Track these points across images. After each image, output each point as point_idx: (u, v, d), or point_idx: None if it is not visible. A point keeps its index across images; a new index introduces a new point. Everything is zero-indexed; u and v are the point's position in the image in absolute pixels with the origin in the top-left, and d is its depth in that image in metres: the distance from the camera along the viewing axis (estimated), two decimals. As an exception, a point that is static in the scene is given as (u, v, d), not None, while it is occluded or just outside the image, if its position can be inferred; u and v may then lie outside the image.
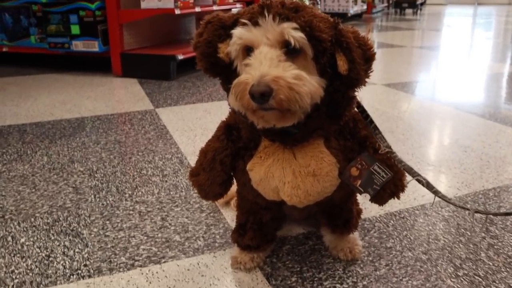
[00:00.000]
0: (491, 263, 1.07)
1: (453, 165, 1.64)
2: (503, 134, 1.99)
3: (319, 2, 6.08)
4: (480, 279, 1.01)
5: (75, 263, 1.09)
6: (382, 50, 4.69)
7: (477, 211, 0.79)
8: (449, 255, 1.10)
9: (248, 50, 0.79)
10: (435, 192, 0.84)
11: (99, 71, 3.47)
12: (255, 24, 0.77)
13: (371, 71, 0.82)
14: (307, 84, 0.74)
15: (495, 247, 1.14)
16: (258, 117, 0.78)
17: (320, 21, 0.77)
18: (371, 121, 0.92)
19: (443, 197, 0.83)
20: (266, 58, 0.74)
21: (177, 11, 3.05)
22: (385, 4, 10.91)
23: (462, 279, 1.01)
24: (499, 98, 2.68)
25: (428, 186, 0.84)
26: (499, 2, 13.77)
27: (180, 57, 3.13)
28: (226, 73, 0.86)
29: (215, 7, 3.49)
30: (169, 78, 3.17)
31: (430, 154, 1.78)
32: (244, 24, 0.78)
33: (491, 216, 1.27)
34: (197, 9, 3.27)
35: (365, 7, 8.73)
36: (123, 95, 2.79)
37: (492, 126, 2.11)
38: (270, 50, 0.75)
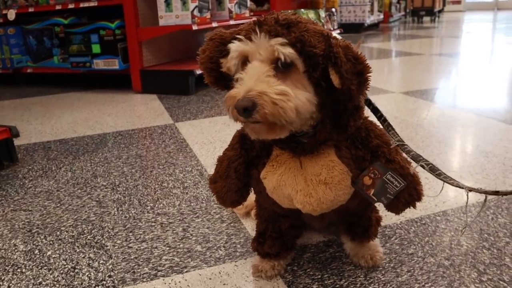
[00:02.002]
0: (516, 268, 1.05)
1: (474, 171, 1.63)
2: (526, 139, 1.95)
3: (335, 14, 6.10)
4: (505, 284, 1.00)
5: (100, 274, 1.12)
6: (400, 59, 4.67)
7: (471, 189, 0.78)
8: (473, 261, 1.09)
9: (244, 62, 0.82)
10: (438, 175, 0.83)
11: (120, 88, 3.55)
12: (250, 39, 0.80)
13: (366, 84, 0.81)
14: (292, 100, 0.76)
15: (520, 251, 1.12)
16: (249, 129, 0.81)
17: (312, 36, 0.78)
18: (385, 120, 0.93)
19: (444, 179, 0.82)
20: (254, 73, 0.77)
21: (195, 27, 3.11)
22: (402, 13, 10.87)
23: (487, 284, 1.00)
24: (521, 102, 2.64)
25: (432, 169, 0.84)
26: (519, 6, 13.57)
27: (198, 72, 3.18)
28: (232, 86, 0.88)
29: (232, 22, 3.55)
30: (188, 93, 3.21)
31: (451, 161, 1.76)
32: (240, 40, 0.81)
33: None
34: (214, 24, 3.32)
35: (382, 16, 8.73)
36: (143, 111, 2.84)
37: (514, 130, 2.08)
38: (260, 65, 0.78)
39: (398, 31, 8.22)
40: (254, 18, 0.83)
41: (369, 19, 7.66)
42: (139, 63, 3.30)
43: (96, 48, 3.32)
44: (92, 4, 3.32)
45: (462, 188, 0.79)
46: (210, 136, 2.19)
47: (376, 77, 3.53)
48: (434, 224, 1.27)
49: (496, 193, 0.76)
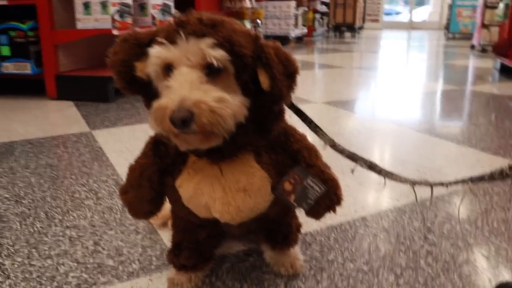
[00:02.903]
0: (430, 270, 1.07)
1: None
2: (438, 147, 2.06)
3: (260, 25, 6.18)
4: (420, 286, 1.01)
5: (-7, 296, 0.99)
6: (323, 71, 4.81)
7: (415, 183, 0.79)
8: (390, 264, 1.10)
9: (167, 69, 0.75)
10: (379, 172, 0.83)
11: (32, 94, 3.30)
12: (172, 42, 0.73)
13: (295, 86, 0.79)
14: (230, 106, 0.71)
15: (433, 254, 1.15)
16: (181, 140, 0.74)
17: (240, 36, 0.74)
18: (310, 121, 0.91)
19: (386, 175, 0.82)
20: (186, 80, 0.70)
21: (115, 32, 2.98)
22: (325, 28, 11.29)
23: (403, 287, 1.01)
24: (434, 114, 2.80)
25: (371, 167, 0.83)
26: (431, 27, 14.62)
27: (119, 78, 3.04)
28: (146, 89, 0.81)
29: (154, 28, 3.44)
30: (107, 100, 3.06)
31: (354, 153, 1.80)
32: (161, 43, 0.74)
33: (428, 223, 1.29)
34: (137, 30, 3.20)
35: (305, 30, 8.98)
36: (57, 118, 2.66)
37: (428, 139, 2.19)
38: (190, 72, 0.71)
39: (321, 45, 8.50)
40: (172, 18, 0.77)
41: (294, 32, 7.85)
42: (54, 68, 3.10)
43: (5, 50, 3.08)
44: (2, 2, 3.07)
45: (406, 182, 0.79)
46: (128, 144, 2.08)
47: (300, 87, 3.58)
48: (353, 229, 1.27)
49: (441, 184, 0.77)
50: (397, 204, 1.44)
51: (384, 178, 0.85)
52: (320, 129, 0.91)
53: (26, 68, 3.08)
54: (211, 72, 0.72)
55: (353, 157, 0.86)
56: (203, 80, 0.71)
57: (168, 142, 0.79)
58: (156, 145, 0.89)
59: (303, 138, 0.91)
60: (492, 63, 5.29)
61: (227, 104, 0.70)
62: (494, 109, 2.87)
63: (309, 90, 3.48)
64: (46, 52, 3.07)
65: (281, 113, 0.82)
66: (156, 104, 0.72)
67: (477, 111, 2.81)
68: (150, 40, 0.76)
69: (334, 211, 0.90)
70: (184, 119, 0.67)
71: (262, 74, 0.74)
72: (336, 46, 8.16)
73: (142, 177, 0.88)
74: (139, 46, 0.78)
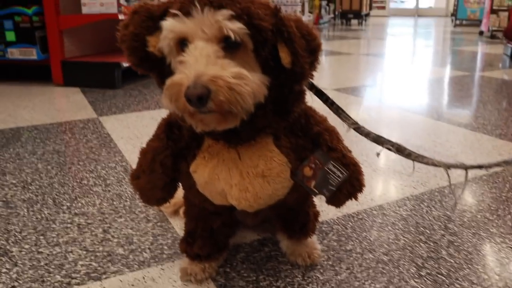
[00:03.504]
0: (452, 261, 1.03)
1: (406, 165, 1.62)
2: (452, 134, 2.00)
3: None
4: (443, 278, 0.97)
5: (0, 285, 0.96)
6: (331, 58, 4.73)
7: (450, 166, 0.74)
8: (411, 255, 1.06)
9: (182, 44, 0.70)
10: (409, 155, 0.78)
11: (38, 80, 3.27)
12: (187, 14, 0.67)
13: (318, 63, 0.74)
14: (249, 83, 0.66)
15: (455, 244, 1.10)
16: (197, 120, 0.69)
17: (259, 8, 0.68)
18: (332, 102, 0.86)
19: (417, 159, 0.78)
20: (202, 55, 0.65)
21: (121, 16, 2.92)
22: (331, 15, 11.15)
23: (426, 279, 0.97)
24: (444, 100, 2.74)
25: (399, 150, 0.79)
26: (437, 13, 14.44)
27: (126, 64, 2.99)
28: (159, 67, 0.76)
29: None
30: (114, 87, 3.02)
31: (384, 154, 1.75)
32: (174, 15, 0.68)
33: (448, 212, 1.25)
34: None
35: (312, 17, 8.87)
36: (64, 104, 2.62)
37: (441, 126, 2.13)
38: (206, 46, 0.66)
39: (328, 32, 8.40)
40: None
41: (301, 19, 7.74)
42: (60, 54, 3.05)
43: (10, 36, 3.03)
44: (5, -13, 3.02)
45: (439, 166, 0.75)
46: (136, 131, 2.04)
47: (309, 74, 3.54)
48: (371, 218, 1.23)
49: (479, 167, 0.73)
50: (415, 192, 1.39)
51: (413, 162, 0.80)
52: (343, 111, 0.86)
53: (31, 53, 3.03)
54: (228, 47, 0.67)
55: (379, 140, 0.81)
56: (220, 55, 0.66)
57: (183, 123, 0.74)
58: (169, 128, 0.85)
59: (323, 120, 0.86)
60: (502, 49, 5.19)
61: (246, 81, 0.65)
62: (506, 95, 2.80)
63: (319, 77, 3.40)
64: (51, 38, 3.02)
65: (302, 93, 0.77)
66: (169, 80, 0.67)
67: (489, 98, 2.75)
68: (163, 13, 0.71)
69: (356, 198, 0.86)
70: (200, 96, 0.62)
71: (283, 49, 0.68)
72: (343, 33, 8.06)
73: (155, 161, 0.84)
74: (151, 19, 0.72)
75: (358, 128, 0.83)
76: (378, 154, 0.84)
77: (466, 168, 0.75)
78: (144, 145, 0.88)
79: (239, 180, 0.79)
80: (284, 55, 0.68)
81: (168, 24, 0.68)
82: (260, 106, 0.71)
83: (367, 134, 0.82)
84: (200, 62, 0.64)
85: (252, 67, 0.69)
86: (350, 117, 0.84)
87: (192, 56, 0.65)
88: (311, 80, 0.74)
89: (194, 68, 0.64)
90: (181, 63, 0.67)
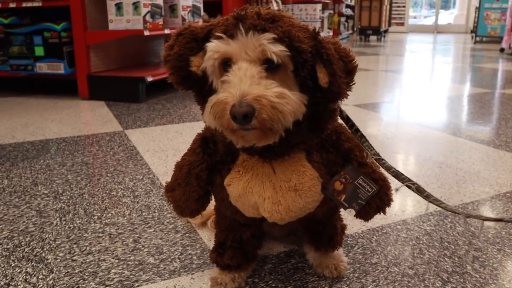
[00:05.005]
0: (477, 276, 1.04)
1: (430, 181, 1.64)
2: (474, 151, 2.01)
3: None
4: (469, 293, 0.98)
5: (38, 290, 1.00)
6: (350, 74, 4.75)
7: (468, 216, 0.76)
8: (436, 269, 1.07)
9: (225, 64, 0.74)
10: (427, 196, 0.80)
11: (65, 94, 3.36)
12: (231, 37, 0.72)
13: (353, 84, 0.78)
14: (290, 103, 0.70)
15: (480, 259, 1.11)
16: (238, 137, 0.73)
17: (299, 31, 0.73)
18: (357, 130, 0.89)
19: (434, 201, 0.80)
20: (246, 75, 0.69)
21: (146, 33, 3.00)
22: (350, 32, 11.21)
23: (451, 293, 0.98)
24: (466, 117, 2.74)
25: (419, 190, 0.81)
26: (457, 30, 14.39)
27: (149, 79, 3.07)
28: (198, 85, 0.81)
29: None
30: (138, 101, 3.09)
31: (407, 171, 1.77)
32: (219, 37, 0.73)
33: (472, 228, 1.26)
34: (166, 31, 3.23)
35: (331, 33, 8.93)
36: (90, 117, 2.69)
37: (463, 143, 2.14)
38: (250, 67, 0.70)
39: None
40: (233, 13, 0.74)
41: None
42: (87, 68, 3.15)
43: (39, 51, 3.14)
44: (36, 4, 3.14)
45: (458, 213, 0.77)
46: (162, 144, 2.09)
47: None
48: (395, 233, 1.24)
49: (498, 220, 0.74)
50: (438, 208, 1.40)
51: (428, 203, 0.82)
52: (366, 140, 0.88)
53: (59, 68, 3.13)
54: (269, 67, 0.71)
55: (399, 176, 0.83)
56: (263, 75, 0.70)
57: (222, 139, 0.78)
58: (204, 142, 0.88)
59: (353, 136, 0.89)
60: (524, 67, 5.16)
61: (288, 100, 0.69)
62: (530, 114, 2.79)
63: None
64: (78, 53, 3.12)
65: (335, 111, 0.80)
66: (214, 98, 0.71)
67: (511, 115, 2.74)
68: (206, 35, 0.76)
69: (384, 212, 0.88)
70: (245, 114, 0.66)
71: (321, 70, 0.72)
72: (362, 49, 8.09)
73: (190, 174, 0.87)
74: (195, 41, 0.77)
75: (379, 160, 0.85)
76: (397, 190, 0.87)
77: (484, 219, 0.77)
78: (172, 160, 0.91)
79: (272, 194, 0.83)
80: (322, 76, 0.72)
81: (213, 45, 0.73)
82: (295, 123, 0.74)
83: (388, 168, 0.84)
84: (245, 82, 0.68)
85: (290, 86, 0.73)
86: (373, 148, 0.87)
87: (236, 76, 0.69)
88: (346, 99, 0.77)
89: (239, 87, 0.68)
90: (225, 83, 0.71)
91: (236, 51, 0.71)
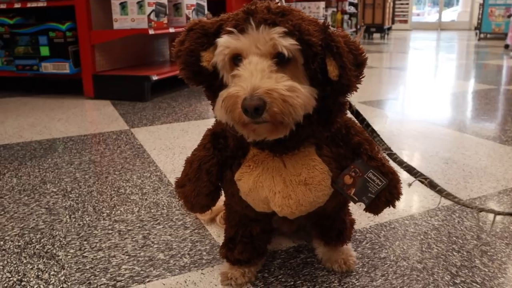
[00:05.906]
0: (486, 270, 1.05)
1: (436, 177, 1.64)
2: (481, 147, 2.01)
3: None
4: (478, 286, 0.98)
5: (50, 286, 1.01)
6: (354, 71, 4.75)
7: (481, 210, 0.76)
8: (444, 263, 1.07)
9: (235, 59, 0.75)
10: (439, 191, 0.81)
11: (70, 93, 3.38)
12: (242, 31, 0.72)
13: (363, 77, 0.78)
14: (301, 96, 0.71)
15: (488, 253, 1.11)
16: (249, 131, 0.74)
17: (309, 24, 0.73)
18: (368, 124, 0.89)
19: (447, 196, 0.80)
20: (257, 69, 0.70)
21: (151, 32, 3.01)
22: (354, 29, 11.18)
23: (460, 286, 0.98)
24: (471, 113, 2.73)
25: (432, 185, 0.81)
26: (461, 27, 14.34)
27: (155, 77, 3.08)
28: (209, 80, 0.81)
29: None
30: (144, 99, 3.10)
31: (414, 167, 1.76)
32: (229, 32, 0.73)
33: (480, 222, 1.26)
34: (171, 30, 3.24)
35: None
36: (96, 117, 2.71)
37: (469, 139, 2.14)
38: (260, 61, 0.71)
39: (349, 45, 8.39)
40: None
41: (322, 33, 7.78)
42: (92, 68, 3.16)
43: (44, 51, 3.15)
44: (40, 4, 3.15)
45: (470, 207, 0.77)
46: (168, 142, 2.10)
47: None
48: (403, 228, 1.25)
49: (510, 214, 0.74)
50: (446, 203, 1.40)
51: (440, 198, 0.82)
52: (378, 135, 0.89)
53: (64, 68, 3.15)
54: (280, 61, 0.72)
55: (412, 171, 0.84)
56: (273, 69, 0.70)
57: (233, 133, 0.78)
58: (215, 138, 0.89)
59: (363, 130, 0.90)
60: (529, 63, 5.14)
61: (298, 93, 0.70)
62: (536, 109, 2.78)
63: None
64: (83, 52, 3.13)
65: (345, 104, 0.81)
66: (225, 92, 0.71)
67: (518, 111, 2.73)
68: (217, 30, 0.76)
69: (394, 205, 0.89)
70: (256, 107, 0.67)
71: (331, 63, 0.73)
72: (366, 46, 8.07)
73: (201, 170, 0.88)
74: (205, 36, 0.77)
75: (391, 155, 0.85)
76: (409, 185, 0.87)
77: (496, 213, 0.77)
78: (179, 158, 0.92)
79: (283, 188, 0.83)
80: (332, 69, 0.73)
81: (224, 40, 0.73)
82: (305, 116, 0.75)
83: (400, 162, 0.85)
84: (256, 76, 0.69)
85: (301, 80, 0.73)
86: (384, 142, 0.87)
87: (247, 70, 0.70)
88: (355, 92, 0.77)
89: (250, 81, 0.68)
90: (236, 77, 0.72)
91: (247, 46, 0.72)
